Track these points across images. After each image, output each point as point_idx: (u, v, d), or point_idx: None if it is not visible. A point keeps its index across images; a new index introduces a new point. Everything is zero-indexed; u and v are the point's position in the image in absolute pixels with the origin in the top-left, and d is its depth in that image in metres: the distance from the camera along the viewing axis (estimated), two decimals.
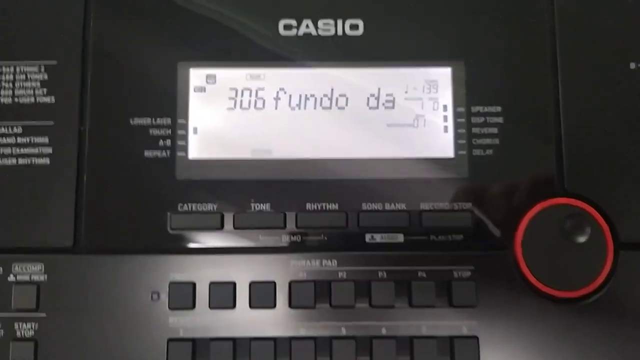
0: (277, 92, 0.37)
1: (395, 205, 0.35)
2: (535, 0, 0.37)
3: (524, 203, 0.35)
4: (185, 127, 0.36)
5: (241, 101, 0.37)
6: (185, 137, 0.36)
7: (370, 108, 0.37)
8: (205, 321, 0.34)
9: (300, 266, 0.35)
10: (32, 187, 0.35)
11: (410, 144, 0.36)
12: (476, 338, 0.34)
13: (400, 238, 0.35)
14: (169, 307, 0.35)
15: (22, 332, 0.35)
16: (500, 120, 0.36)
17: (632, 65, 0.37)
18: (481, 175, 0.36)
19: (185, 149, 0.36)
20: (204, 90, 0.37)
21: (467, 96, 0.36)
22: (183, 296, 0.34)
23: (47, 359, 0.34)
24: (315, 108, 0.37)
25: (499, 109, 0.36)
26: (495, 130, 0.36)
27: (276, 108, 0.37)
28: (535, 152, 0.36)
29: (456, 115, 0.36)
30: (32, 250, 0.35)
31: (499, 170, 0.36)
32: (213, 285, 0.35)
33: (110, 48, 0.37)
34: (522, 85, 0.36)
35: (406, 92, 0.37)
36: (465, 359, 0.34)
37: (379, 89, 0.37)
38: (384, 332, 0.34)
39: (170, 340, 0.34)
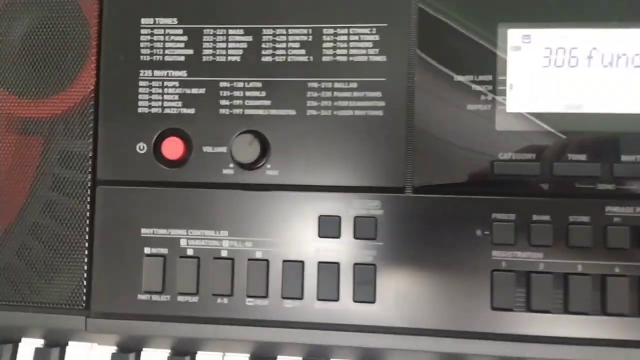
0: (590, 51, 0.39)
1: None
2: None
3: None
4: (504, 83, 0.40)
5: (555, 59, 0.40)
6: (503, 92, 0.40)
7: None
8: (526, 256, 0.39)
9: (616, 212, 0.38)
10: (368, 136, 0.41)
11: None
12: None
13: None
14: (492, 242, 0.39)
15: (363, 258, 0.41)
16: None
17: None
18: None
19: (503, 103, 0.40)
20: (520, 49, 0.40)
21: None
22: (506, 233, 0.39)
23: (384, 280, 0.40)
24: (627, 66, 0.39)
25: None
26: None
27: (589, 66, 0.40)
28: None
29: None
30: (369, 189, 0.41)
31: None
32: (534, 224, 0.39)
33: (435, 12, 0.41)
34: None
35: None
36: None
37: None
38: None
39: (494, 270, 0.39)
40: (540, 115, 0.39)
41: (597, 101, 0.39)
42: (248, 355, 0.44)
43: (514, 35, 0.40)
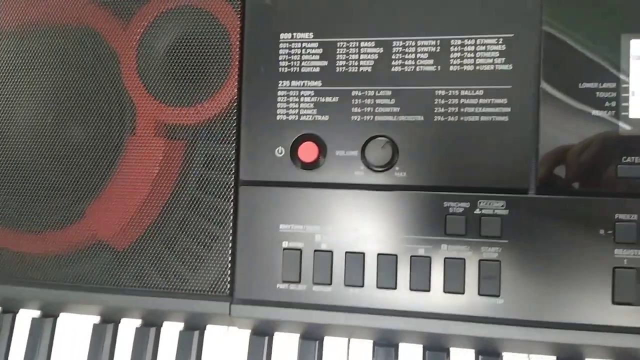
0: None
1: None
2: None
3: None
4: (627, 90, 0.42)
5: None
6: (627, 99, 0.42)
7: None
8: None
9: None
10: (493, 140, 0.44)
11: None
12: None
13: None
14: (615, 241, 0.42)
15: (488, 255, 0.44)
16: None
17: None
18: None
19: (626, 109, 0.42)
20: None
21: None
22: (628, 232, 0.41)
23: (508, 276, 0.43)
24: None
25: None
26: None
27: None
28: None
29: None
30: (494, 190, 0.44)
31: None
32: None
33: (559, 23, 0.43)
34: None
35: None
36: None
37: None
38: None
39: (615, 268, 0.42)
40: None
41: None
42: (372, 341, 0.48)
43: (637, 45, 0.42)
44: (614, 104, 0.42)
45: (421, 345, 0.47)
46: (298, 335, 0.49)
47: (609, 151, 0.42)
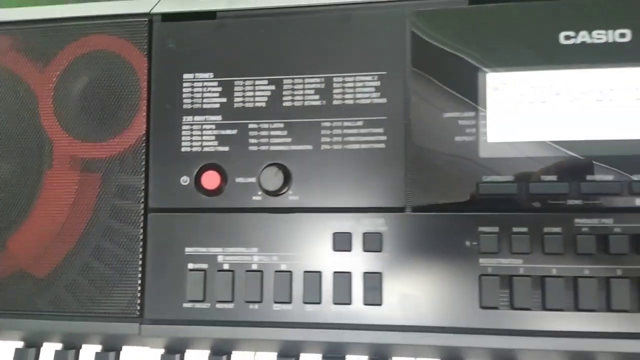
0: (558, 89, 0.48)
1: None
2: None
3: None
4: (485, 118, 0.48)
5: (529, 97, 0.48)
6: (485, 126, 0.48)
7: (638, 99, 0.47)
8: (508, 262, 0.47)
9: (583, 223, 0.46)
10: (372, 165, 0.50)
11: None
12: None
13: None
14: (480, 252, 0.47)
15: (370, 267, 0.49)
16: None
17: None
18: None
19: (485, 134, 0.48)
20: (499, 90, 0.49)
21: None
22: (490, 243, 0.47)
23: (389, 286, 0.48)
24: (589, 101, 0.47)
25: None
26: None
27: (557, 102, 0.48)
28: None
29: None
30: (375, 209, 0.49)
31: None
32: (514, 235, 0.47)
33: (425, 61, 0.50)
34: None
35: None
36: None
37: None
38: None
39: (481, 275, 0.47)
40: (516, 144, 0.48)
41: (565, 131, 0.47)
42: (276, 353, 0.52)
43: (494, 79, 0.49)
44: (474, 130, 0.48)
45: (320, 355, 0.51)
46: (208, 352, 0.53)
47: (471, 172, 0.48)
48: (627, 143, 0.45)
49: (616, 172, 0.45)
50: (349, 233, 0.49)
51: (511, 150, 0.47)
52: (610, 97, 0.46)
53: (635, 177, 0.45)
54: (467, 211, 0.47)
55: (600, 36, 0.47)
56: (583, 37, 0.47)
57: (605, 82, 0.46)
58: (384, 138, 0.49)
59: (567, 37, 0.47)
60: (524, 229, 0.46)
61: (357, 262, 0.49)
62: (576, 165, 0.46)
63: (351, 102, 0.50)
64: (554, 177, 0.46)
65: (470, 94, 0.48)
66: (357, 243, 0.49)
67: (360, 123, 0.50)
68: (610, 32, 0.47)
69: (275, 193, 0.50)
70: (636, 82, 0.46)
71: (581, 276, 0.45)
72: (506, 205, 0.47)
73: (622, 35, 0.46)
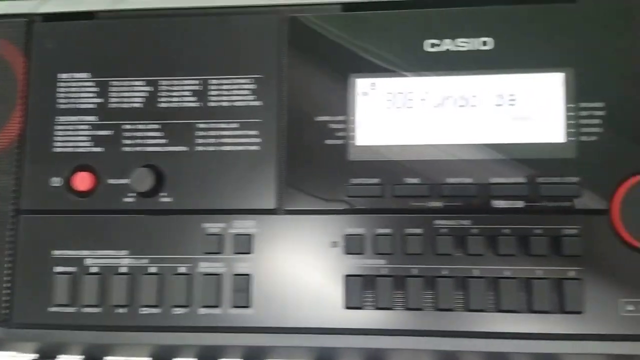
0: (423, 95, 0.49)
1: (516, 179, 0.47)
2: (632, 17, 0.47)
3: (622, 177, 0.46)
4: (354, 122, 0.49)
5: (395, 102, 0.50)
6: (354, 130, 0.49)
7: (497, 105, 0.48)
8: (372, 263, 0.48)
9: (443, 224, 0.47)
10: (246, 167, 0.50)
11: (529, 132, 0.48)
12: (580, 280, 0.45)
13: (520, 204, 0.47)
14: (345, 252, 0.48)
15: (240, 269, 0.49)
16: (603, 113, 0.47)
17: None
18: (586, 155, 0.47)
19: (354, 138, 0.49)
20: (368, 95, 0.50)
21: (576, 95, 0.47)
22: (355, 244, 0.48)
23: (258, 289, 0.48)
24: (453, 106, 0.49)
25: (602, 104, 0.47)
26: (598, 121, 0.47)
27: (422, 107, 0.49)
28: (632, 138, 0.46)
29: (567, 109, 0.47)
30: (247, 211, 0.50)
31: (600, 151, 0.46)
32: (378, 236, 0.48)
33: (299, 65, 0.51)
34: (622, 85, 0.47)
35: (526, 92, 0.48)
36: (572, 296, 0.45)
37: (504, 91, 0.48)
38: (507, 274, 0.46)
39: (346, 276, 0.48)
40: (383, 147, 0.49)
41: (429, 135, 0.48)
42: (151, 358, 0.51)
43: (362, 84, 0.50)
44: (343, 133, 0.49)
45: (196, 359, 0.50)
46: (81, 357, 0.52)
47: (340, 174, 0.48)
48: (486, 147, 0.47)
49: (475, 175, 0.46)
50: (220, 235, 0.49)
51: (378, 154, 0.48)
52: (473, 103, 0.48)
53: (492, 180, 0.46)
54: (336, 213, 0.48)
55: (463, 44, 0.48)
56: (447, 44, 0.48)
57: (467, 89, 0.48)
58: (258, 140, 0.49)
59: (432, 45, 0.49)
60: (388, 230, 0.47)
61: (227, 264, 0.48)
62: (438, 168, 0.47)
63: (227, 104, 0.50)
64: (416, 180, 0.47)
65: (340, 99, 0.49)
66: (228, 245, 0.49)
67: (235, 125, 0.50)
68: (473, 40, 0.48)
69: (148, 195, 0.49)
70: (497, 89, 0.47)
71: (440, 276, 0.46)
72: (372, 207, 0.47)
73: (485, 44, 0.48)
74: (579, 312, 0.44)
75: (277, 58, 0.50)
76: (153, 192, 0.49)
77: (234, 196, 0.49)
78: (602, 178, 0.45)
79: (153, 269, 0.49)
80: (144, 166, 0.50)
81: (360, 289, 0.47)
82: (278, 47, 0.50)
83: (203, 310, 0.48)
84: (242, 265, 0.48)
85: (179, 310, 0.48)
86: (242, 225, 0.49)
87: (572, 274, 0.45)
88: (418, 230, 0.47)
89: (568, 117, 0.46)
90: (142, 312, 0.48)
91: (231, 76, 0.50)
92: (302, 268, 0.48)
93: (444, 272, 0.46)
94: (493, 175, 0.47)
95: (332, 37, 0.50)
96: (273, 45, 0.50)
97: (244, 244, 0.48)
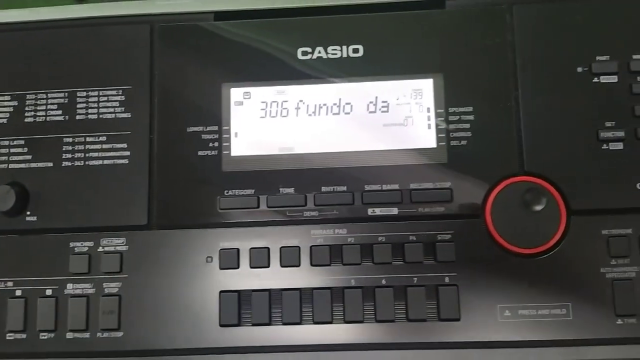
0: (298, 103, 0.48)
1: (390, 186, 0.46)
2: (498, 22, 0.48)
3: (493, 181, 0.46)
4: (228, 132, 0.48)
5: (270, 111, 0.48)
6: (228, 140, 0.48)
7: (370, 112, 0.48)
8: (247, 277, 0.46)
9: (319, 234, 0.46)
10: (115, 181, 0.48)
11: (402, 138, 0.47)
12: (456, 286, 0.45)
13: (395, 211, 0.46)
14: (220, 268, 0.46)
15: (109, 290, 0.46)
16: (471, 117, 0.47)
17: (579, 69, 0.47)
18: (457, 160, 0.46)
19: (228, 148, 0.48)
20: (242, 104, 0.49)
21: (445, 100, 0.47)
22: (230, 259, 0.46)
23: (129, 310, 0.46)
24: (327, 114, 0.48)
25: (470, 109, 0.47)
26: (468, 125, 0.47)
27: (297, 115, 0.48)
28: (500, 142, 0.46)
29: (437, 115, 0.47)
30: (116, 228, 0.47)
31: (471, 156, 0.46)
32: (252, 250, 0.46)
33: (170, 75, 0.49)
34: (488, 89, 0.47)
35: (397, 98, 0.48)
36: (448, 303, 0.44)
37: (376, 97, 0.48)
38: (384, 282, 0.45)
39: (221, 292, 0.46)
40: (258, 157, 0.47)
41: (304, 143, 0.47)
42: None
43: (236, 93, 0.48)
44: (216, 144, 0.47)
45: None
46: None
47: (214, 186, 0.46)
48: (361, 154, 0.46)
49: (350, 183, 0.45)
50: (88, 254, 0.46)
51: (254, 164, 0.47)
52: (346, 110, 0.47)
53: (367, 188, 0.45)
54: (210, 226, 0.46)
55: (335, 52, 0.48)
56: (319, 52, 0.48)
57: (341, 96, 0.47)
58: (127, 153, 0.47)
59: (305, 53, 0.48)
60: (264, 243, 0.45)
61: (96, 284, 0.46)
62: (313, 177, 0.46)
63: (94, 117, 0.48)
64: (291, 190, 0.46)
65: (214, 108, 0.47)
66: (97, 264, 0.46)
67: (103, 138, 0.48)
68: (344, 47, 0.47)
69: (11, 214, 0.46)
70: (369, 96, 0.47)
71: (317, 288, 0.45)
72: (247, 219, 0.46)
73: (356, 51, 0.47)
74: (456, 320, 0.43)
75: (147, 69, 0.48)
76: (17, 211, 0.46)
77: (103, 213, 0.47)
78: (473, 183, 0.45)
79: (18, 292, 0.45)
80: (7, 184, 0.46)
81: (236, 305, 0.44)
82: (149, 58, 0.48)
83: (70, 335, 0.45)
84: (112, 285, 0.46)
85: (45, 335, 0.45)
86: (111, 243, 0.46)
87: (447, 280, 0.44)
88: (295, 242, 0.45)
89: (438, 123, 0.46)
90: (8, 338, 0.45)
91: (99, 88, 0.48)
92: (176, 286, 0.45)
93: (322, 284, 0.44)
94: (368, 182, 0.46)
95: (204, 47, 0.48)
96: (143, 56, 0.49)
97: (114, 263, 0.46)
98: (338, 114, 0.47)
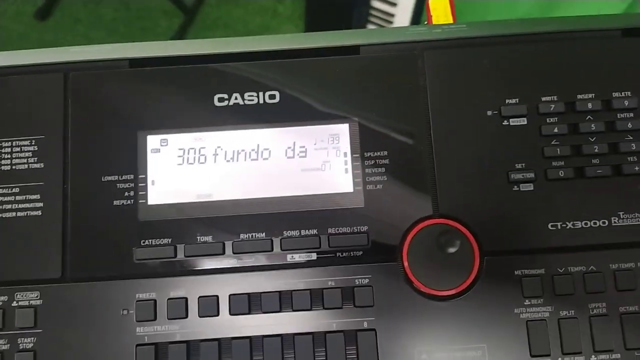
0: (216, 149, 0.48)
1: (309, 231, 0.47)
2: (410, 67, 0.48)
3: (408, 224, 0.47)
4: (145, 180, 0.47)
5: (188, 158, 0.48)
6: (145, 188, 0.47)
7: (288, 157, 0.48)
8: (165, 329, 0.45)
9: (237, 283, 0.46)
10: (28, 234, 0.46)
11: (319, 183, 0.47)
12: (374, 330, 0.45)
13: (314, 256, 0.46)
14: (136, 320, 0.45)
15: (24, 345, 0.45)
16: (387, 162, 0.47)
17: (489, 113, 0.48)
18: (374, 204, 0.47)
19: (145, 197, 0.47)
20: (159, 151, 0.48)
21: (361, 145, 0.48)
22: (146, 310, 0.45)
23: None
24: (245, 160, 0.48)
25: (385, 153, 0.48)
26: (383, 169, 0.47)
27: (215, 162, 0.48)
28: (415, 185, 0.47)
29: (353, 159, 0.48)
30: (30, 281, 0.46)
31: (387, 200, 0.47)
32: (170, 300, 0.46)
33: (84, 124, 0.48)
34: (402, 133, 0.48)
35: (315, 143, 0.48)
36: (367, 348, 0.45)
37: (294, 143, 0.48)
38: (304, 330, 0.45)
39: (137, 345, 0.45)
40: (176, 205, 0.47)
41: (223, 190, 0.47)
42: None
43: (153, 140, 0.48)
44: (132, 193, 0.46)
45: None
46: None
47: (130, 237, 0.46)
48: (280, 200, 0.46)
49: (269, 229, 0.45)
50: (2, 309, 0.45)
51: (171, 212, 0.46)
52: (265, 156, 0.47)
53: (286, 234, 0.45)
54: (126, 278, 0.45)
55: (251, 98, 0.48)
56: (236, 98, 0.48)
57: (259, 142, 0.47)
58: (40, 205, 0.46)
59: (221, 99, 0.48)
60: (181, 293, 0.45)
61: (10, 340, 0.44)
62: (231, 224, 0.46)
63: (8, 168, 0.47)
64: (209, 238, 0.45)
65: (129, 156, 0.47)
66: (10, 319, 0.45)
67: (16, 190, 0.46)
68: (260, 93, 0.48)
69: None
70: (287, 141, 0.47)
71: (236, 337, 0.44)
72: (164, 270, 0.45)
73: (272, 97, 0.47)
74: None
75: (61, 118, 0.48)
76: None
77: (16, 266, 0.45)
78: (390, 226, 0.46)
79: None
80: None
81: (152, 359, 0.44)
82: (62, 107, 0.48)
83: None
84: (27, 340, 0.45)
85: None
86: (25, 297, 0.45)
87: (365, 324, 0.44)
88: (213, 291, 0.45)
89: (354, 167, 0.46)
90: None
91: (11, 139, 0.47)
92: (92, 340, 0.45)
93: (241, 334, 0.44)
94: (286, 228, 0.46)
95: (119, 94, 0.48)
96: (57, 105, 0.48)
97: (28, 318, 0.45)
98: (257, 159, 0.47)
